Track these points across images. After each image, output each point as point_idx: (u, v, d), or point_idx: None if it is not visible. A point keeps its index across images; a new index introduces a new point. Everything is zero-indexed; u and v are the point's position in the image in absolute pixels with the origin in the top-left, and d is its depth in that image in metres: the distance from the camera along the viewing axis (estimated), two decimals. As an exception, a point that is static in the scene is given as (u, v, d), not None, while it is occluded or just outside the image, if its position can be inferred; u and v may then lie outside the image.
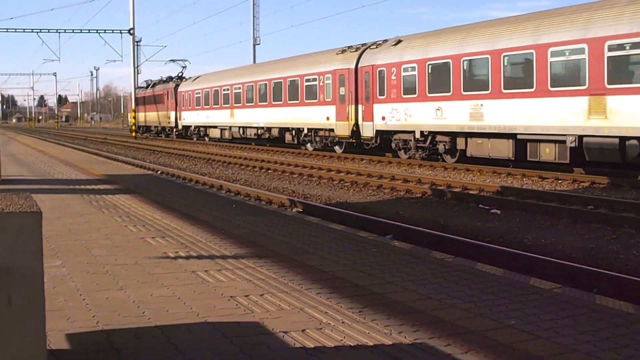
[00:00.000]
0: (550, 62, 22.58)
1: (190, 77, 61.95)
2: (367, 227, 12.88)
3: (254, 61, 70.59)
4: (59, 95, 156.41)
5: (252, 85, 45.00)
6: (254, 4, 73.61)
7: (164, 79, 67.93)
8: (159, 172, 26.76)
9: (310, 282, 6.97)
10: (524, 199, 17.22)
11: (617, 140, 20.46)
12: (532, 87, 23.31)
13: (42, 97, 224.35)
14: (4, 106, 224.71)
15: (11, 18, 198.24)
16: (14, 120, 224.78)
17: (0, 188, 15.66)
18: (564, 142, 22.27)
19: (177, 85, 61.07)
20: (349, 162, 31.56)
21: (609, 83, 20.56)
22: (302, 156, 35.43)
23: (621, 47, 20.15)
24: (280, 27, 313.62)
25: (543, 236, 12.96)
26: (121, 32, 66.79)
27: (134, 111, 67.39)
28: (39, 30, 66.09)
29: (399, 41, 31.39)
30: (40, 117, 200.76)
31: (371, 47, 33.40)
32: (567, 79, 22.29)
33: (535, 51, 23.07)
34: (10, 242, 3.33)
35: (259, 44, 74.07)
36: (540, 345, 5.04)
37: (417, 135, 29.23)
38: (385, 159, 31.01)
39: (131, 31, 65.98)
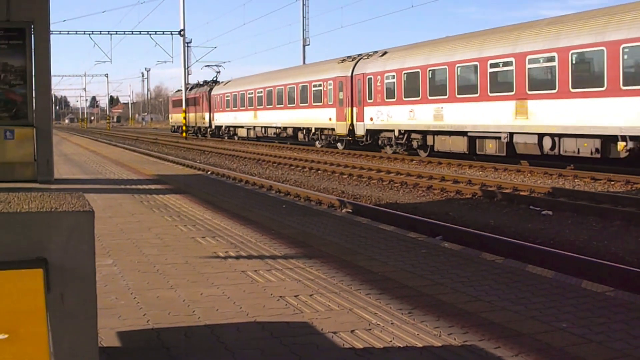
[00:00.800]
0: (489, 72, 28.09)
1: (222, 82, 67.65)
2: (417, 227, 12.84)
3: (304, 62, 70.76)
4: (111, 96, 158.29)
5: (272, 90, 50.74)
6: (303, 5, 73.83)
7: (200, 83, 73.98)
8: (209, 172, 26.93)
9: (359, 282, 6.96)
10: (575, 201, 17.03)
11: (536, 136, 25.73)
12: (476, 93, 28.73)
13: (94, 98, 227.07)
14: (57, 107, 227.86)
15: (64, 20, 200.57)
16: (66, 121, 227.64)
17: (53, 187, 15.89)
18: (499, 138, 27.46)
19: (210, 89, 67.36)
20: (399, 162, 31.50)
21: (529, 90, 25.88)
22: (352, 157, 35.44)
23: (537, 60, 25.77)
24: (330, 28, 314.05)
25: (595, 238, 12.80)
26: (172, 34, 67.46)
27: (184, 112, 67.96)
28: (91, 32, 66.99)
29: (385, 52, 37.17)
30: (92, 118, 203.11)
31: (364, 57, 39.12)
32: (501, 87, 27.45)
33: (479, 63, 28.59)
34: (63, 240, 3.36)
35: (308, 45, 74.36)
36: (592, 349, 4.98)
37: (396, 133, 34.82)
38: (427, 158, 30.92)
39: (182, 32, 66.55)
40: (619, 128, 22.11)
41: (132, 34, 69.02)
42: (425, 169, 27.48)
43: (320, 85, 42.80)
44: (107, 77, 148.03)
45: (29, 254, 3.28)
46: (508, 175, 24.37)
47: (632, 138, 21.83)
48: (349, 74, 39.04)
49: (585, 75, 23.74)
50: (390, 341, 5.17)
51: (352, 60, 39.96)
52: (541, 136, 25.58)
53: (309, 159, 32.53)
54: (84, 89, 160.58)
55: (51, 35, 18.48)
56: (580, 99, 23.67)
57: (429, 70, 31.88)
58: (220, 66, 77.72)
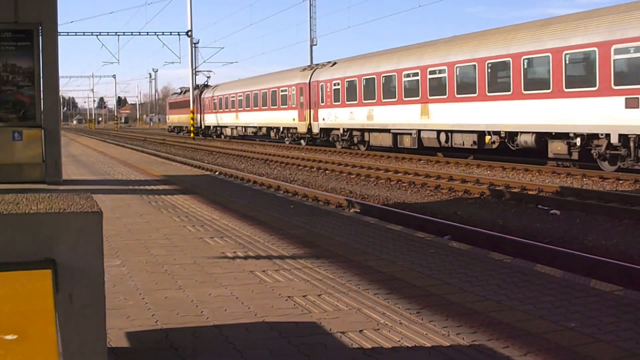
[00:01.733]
0: (404, 81, 35.15)
1: (211, 86, 75.49)
2: (425, 227, 12.84)
3: (311, 62, 70.75)
4: (118, 97, 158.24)
5: (249, 94, 58.70)
6: (310, 5, 73.81)
7: (194, 86, 77.92)
8: (217, 172, 26.96)
9: (367, 282, 6.96)
10: (584, 200, 17.00)
11: (435, 132, 32.68)
12: (395, 98, 35.85)
13: (101, 99, 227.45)
14: (65, 108, 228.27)
15: (71, 22, 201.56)
16: (74, 122, 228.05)
17: (61, 188, 15.92)
18: (411, 134, 34.47)
19: (201, 92, 74.35)
20: (407, 162, 31.53)
21: (430, 96, 32.90)
22: (359, 157, 35.48)
23: (434, 72, 32.79)
24: (338, 28, 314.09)
25: (604, 237, 12.77)
26: (179, 34, 67.56)
27: (192, 112, 68.07)
28: (98, 34, 67.14)
29: (334, 63, 44.31)
30: (100, 119, 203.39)
31: (319, 67, 46.77)
32: (412, 93, 34.44)
33: (396, 73, 35.83)
34: (71, 241, 3.37)
35: (316, 45, 74.27)
36: (601, 348, 4.96)
37: (341, 131, 41.97)
38: (435, 158, 30.91)
39: (189, 33, 66.67)
40: (485, 125, 29.32)
41: (140, 34, 69.14)
42: (433, 168, 27.47)
43: (286, 90, 50.45)
44: (114, 78, 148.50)
45: (37, 255, 3.29)
46: (516, 175, 24.34)
47: (494, 133, 28.87)
48: (307, 81, 46.43)
49: (465, 85, 30.58)
50: (399, 341, 5.17)
51: (310, 69, 47.52)
52: (439, 132, 32.48)
53: (316, 159, 32.54)
54: (92, 90, 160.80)
55: (59, 37, 18.53)
56: (461, 103, 30.69)
57: (363, 79, 39.18)
58: (210, 71, 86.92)
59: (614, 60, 22.92)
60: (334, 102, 42.45)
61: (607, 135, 23.40)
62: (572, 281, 6.94)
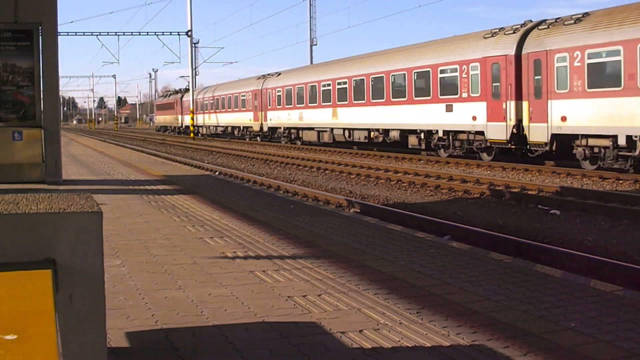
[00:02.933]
0: (322, 90, 44.42)
1: (188, 89, 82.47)
2: (425, 227, 12.84)
3: (311, 62, 70.77)
4: (118, 97, 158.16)
5: (218, 98, 68.37)
6: (310, 5, 73.77)
7: (175, 90, 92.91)
8: (217, 172, 26.96)
9: (367, 282, 6.96)
10: (584, 200, 17.00)
11: (342, 130, 42.10)
12: (316, 103, 45.44)
13: (101, 99, 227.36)
14: (65, 108, 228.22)
15: (71, 22, 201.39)
16: (74, 122, 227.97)
17: (61, 189, 15.92)
18: (327, 131, 44.06)
19: (182, 96, 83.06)
20: (407, 162, 31.53)
21: (338, 101, 42.38)
22: (360, 156, 35.50)
23: (341, 83, 42.03)
24: (337, 28, 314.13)
25: (604, 237, 12.77)
26: (179, 34, 67.54)
27: (192, 112, 68.13)
28: (98, 34, 67.10)
29: (279, 74, 53.88)
30: (100, 119, 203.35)
31: (269, 76, 55.80)
32: (327, 99, 44.00)
33: (317, 84, 45.44)
34: (71, 241, 3.37)
35: (315, 45, 74.24)
36: (601, 348, 4.97)
37: (282, 129, 51.87)
38: (434, 158, 30.91)
39: (189, 33, 66.64)
40: (371, 124, 38.51)
41: (140, 34, 69.11)
42: (433, 168, 27.47)
43: (245, 95, 59.98)
44: (114, 78, 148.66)
45: (37, 255, 3.29)
46: (516, 175, 24.35)
47: (376, 130, 38.19)
48: (260, 88, 55.91)
49: (359, 94, 39.84)
50: (399, 341, 5.17)
51: (263, 78, 56.76)
52: (344, 129, 41.95)
53: (316, 159, 32.55)
54: (92, 90, 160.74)
55: (59, 37, 18.53)
56: (357, 107, 40.04)
57: (296, 87, 48.58)
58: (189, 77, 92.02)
59: (440, 78, 32.14)
60: (277, 105, 52.35)
61: (437, 131, 32.57)
62: (572, 281, 6.94)
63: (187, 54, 71.30)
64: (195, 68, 77.56)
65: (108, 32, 67.53)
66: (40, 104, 17.32)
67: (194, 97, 72.67)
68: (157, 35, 67.02)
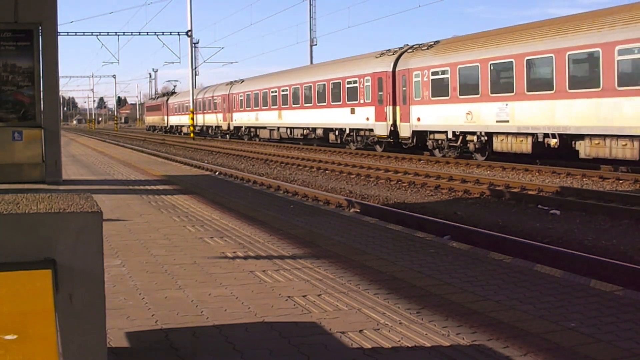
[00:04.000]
0: (270, 95, 53.35)
1: (176, 93, 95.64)
2: (425, 227, 12.84)
3: (311, 62, 70.79)
4: (118, 97, 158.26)
5: (195, 102, 74.32)
6: (310, 5, 73.78)
7: (162, 93, 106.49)
8: (217, 172, 26.96)
9: (367, 282, 6.96)
10: (584, 200, 17.01)
11: (285, 128, 50.69)
12: (267, 106, 54.27)
13: (101, 99, 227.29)
14: (65, 108, 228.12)
15: (71, 22, 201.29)
16: (74, 122, 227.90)
17: (61, 189, 15.92)
18: (276, 129, 52.64)
19: (168, 99, 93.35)
20: (407, 162, 31.53)
21: (282, 105, 51.10)
22: (359, 157, 35.50)
23: (284, 90, 50.70)
24: (337, 28, 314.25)
25: (604, 237, 12.77)
26: (179, 34, 67.57)
27: (192, 112, 68.18)
28: (98, 34, 67.13)
29: (243, 81, 63.59)
30: (100, 119, 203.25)
31: (235, 82, 65.18)
32: (274, 103, 52.59)
33: (268, 90, 54.34)
34: (71, 241, 3.37)
35: (316, 45, 74.27)
36: (601, 348, 4.96)
37: (243, 128, 61.49)
38: (434, 158, 30.92)
39: (189, 33, 66.64)
40: (305, 124, 47.38)
41: (140, 34, 69.14)
42: (433, 168, 27.47)
43: (217, 99, 69.32)
44: (114, 78, 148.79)
45: (37, 255, 3.29)
46: (516, 175, 24.35)
47: (306, 128, 47.25)
48: (228, 93, 65.09)
49: (296, 99, 48.96)
50: (399, 341, 5.17)
51: (230, 84, 66.10)
52: (287, 128, 50.81)
53: (316, 159, 32.56)
54: (92, 90, 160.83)
55: (59, 37, 18.53)
56: (295, 110, 49.09)
57: (253, 93, 57.96)
58: (177, 81, 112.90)
59: (347, 87, 41.23)
60: (240, 108, 61.77)
61: (346, 129, 41.86)
62: (572, 281, 6.94)
63: (187, 54, 71.44)
64: (195, 68, 77.71)
65: (108, 32, 67.60)
66: (40, 104, 17.32)
67: (172, 101, 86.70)
68: (157, 35, 67.06)
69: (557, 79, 25.47)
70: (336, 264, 7.86)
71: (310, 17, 73.92)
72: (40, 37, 17.19)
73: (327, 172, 27.54)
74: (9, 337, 3.05)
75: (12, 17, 16.95)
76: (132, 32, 73.20)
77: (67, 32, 70.15)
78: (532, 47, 26.87)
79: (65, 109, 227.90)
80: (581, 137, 24.71)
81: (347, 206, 16.72)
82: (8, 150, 17.31)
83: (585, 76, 24.86)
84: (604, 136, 23.63)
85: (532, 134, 26.80)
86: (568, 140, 25.41)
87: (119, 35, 68.45)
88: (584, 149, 24.59)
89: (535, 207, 16.59)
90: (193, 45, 70.14)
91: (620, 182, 21.24)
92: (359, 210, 15.69)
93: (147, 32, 71.84)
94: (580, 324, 5.49)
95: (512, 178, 23.07)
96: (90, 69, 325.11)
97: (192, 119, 68.33)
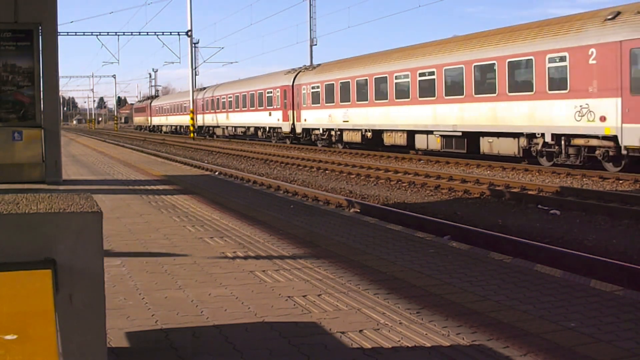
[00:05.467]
0: (220, 101, 68.77)
1: (158, 96, 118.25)
2: (425, 227, 12.84)
3: (311, 62, 70.76)
4: (118, 97, 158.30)
5: (172, 105, 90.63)
6: (310, 5, 73.75)
7: (147, 97, 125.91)
8: (217, 172, 26.96)
9: (367, 282, 6.96)
10: (584, 200, 17.00)
11: (232, 127, 64.44)
12: (219, 109, 67.77)
13: (101, 99, 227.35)
14: (65, 108, 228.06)
15: (71, 22, 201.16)
16: (74, 122, 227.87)
17: (61, 189, 15.92)
18: (226, 128, 66.88)
19: (151, 101, 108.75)
20: (407, 162, 31.52)
21: (229, 109, 65.25)
22: (359, 157, 35.47)
23: (229, 98, 64.82)
24: (337, 28, 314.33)
25: (604, 237, 12.77)
26: (179, 34, 67.55)
27: (192, 112, 68.23)
28: (98, 34, 67.12)
29: (205, 89, 76.44)
30: (100, 119, 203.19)
31: (201, 91, 77.58)
32: (224, 107, 66.77)
33: (213, 99, 71.42)
34: (71, 241, 3.37)
35: (315, 45, 74.21)
36: (601, 348, 4.96)
37: (204, 127, 73.49)
38: (435, 158, 30.90)
39: (189, 33, 66.63)
40: (247, 123, 59.85)
41: (140, 34, 69.13)
42: (433, 168, 27.47)
43: (185, 103, 79.05)
44: (114, 78, 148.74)
45: (37, 255, 3.29)
46: (516, 175, 24.34)
47: (261, 129, 57.09)
48: (196, 98, 73.05)
49: (237, 104, 61.51)
50: (399, 341, 5.17)
51: (198, 91, 77.33)
52: (233, 127, 63.84)
53: (316, 159, 32.56)
54: (92, 90, 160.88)
55: (59, 37, 18.52)
56: (238, 113, 61.99)
57: (214, 99, 70.08)
58: (160, 86, 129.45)
59: (267, 96, 54.02)
60: (204, 110, 73.82)
61: (267, 128, 55.00)
62: (572, 281, 6.94)
63: (187, 54, 71.58)
64: (195, 68, 77.78)
65: (108, 32, 67.58)
66: (40, 104, 17.32)
67: (155, 104, 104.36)
68: (157, 35, 67.05)
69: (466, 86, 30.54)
70: (336, 264, 7.86)
71: (310, 17, 73.86)
72: (40, 37, 17.19)
73: (327, 172, 27.54)
74: (9, 337, 3.05)
75: (12, 17, 16.95)
76: (132, 32, 73.17)
77: (67, 32, 70.16)
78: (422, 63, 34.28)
79: (65, 109, 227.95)
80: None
81: (347, 206, 16.72)
82: (8, 150, 17.31)
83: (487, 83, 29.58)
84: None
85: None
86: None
87: (119, 35, 68.44)
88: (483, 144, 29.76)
89: (535, 207, 16.59)
90: (193, 45, 70.17)
91: (620, 182, 21.24)
92: (359, 210, 15.69)
93: (147, 32, 71.86)
94: (580, 324, 5.49)
95: (512, 178, 23.06)
96: (90, 69, 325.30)
97: (192, 119, 68.33)
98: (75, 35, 66.06)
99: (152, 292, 6.65)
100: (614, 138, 23.19)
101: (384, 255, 8.28)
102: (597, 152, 24.28)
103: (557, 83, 25.53)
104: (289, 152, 41.42)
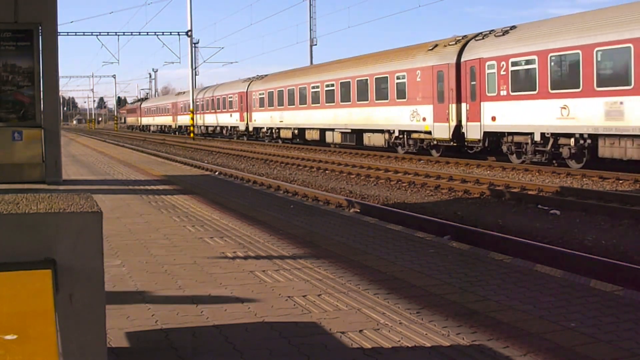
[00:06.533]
0: (179, 105, 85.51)
1: (148, 98, 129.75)
2: (425, 227, 12.83)
3: (311, 62, 70.77)
4: (118, 97, 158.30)
5: (158, 106, 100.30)
6: (310, 5, 73.77)
7: (137, 99, 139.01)
8: (217, 172, 26.96)
9: (367, 282, 6.96)
10: (584, 200, 17.00)
11: (204, 127, 74.45)
12: (211, 109, 71.93)
13: (101, 99, 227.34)
14: (65, 108, 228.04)
15: (71, 22, 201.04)
16: (74, 122, 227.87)
17: (61, 189, 15.92)
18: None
19: (141, 103, 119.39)
20: (407, 162, 31.52)
21: (213, 110, 72.56)
22: (359, 157, 35.48)
23: (231, 97, 64.96)
24: (337, 28, 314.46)
25: (604, 237, 12.77)
26: (179, 34, 67.53)
27: (192, 112, 68.25)
28: (98, 34, 67.11)
29: (184, 93, 79.23)
30: (100, 119, 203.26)
31: (180, 94, 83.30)
32: (204, 109, 75.67)
33: (215, 98, 71.78)
34: (71, 241, 3.37)
35: (315, 45, 74.25)
36: (601, 348, 4.96)
37: (183, 127, 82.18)
38: (434, 158, 30.91)
39: (189, 33, 66.61)
40: (216, 123, 69.38)
41: (140, 34, 69.12)
42: (433, 168, 27.47)
43: (168, 105, 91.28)
44: (114, 78, 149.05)
45: (37, 255, 3.29)
46: (516, 175, 24.34)
47: (225, 128, 67.44)
48: (176, 101, 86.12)
49: (209, 106, 70.81)
50: (399, 341, 5.17)
51: (178, 95, 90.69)
52: (203, 127, 71.58)
53: (316, 159, 32.56)
54: (92, 90, 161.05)
55: (59, 37, 18.52)
56: (209, 114, 71.42)
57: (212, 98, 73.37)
58: (150, 89, 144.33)
59: (229, 101, 62.32)
60: (182, 112, 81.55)
61: (227, 127, 65.53)
62: (572, 281, 6.93)
63: (187, 54, 71.58)
64: (195, 68, 77.76)
65: (108, 32, 67.55)
66: (40, 104, 17.31)
67: (144, 105, 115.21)
68: (157, 35, 67.05)
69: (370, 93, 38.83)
70: (336, 264, 7.86)
71: (310, 17, 73.91)
72: (40, 37, 17.19)
73: (327, 172, 27.53)
74: (9, 337, 3.05)
75: (12, 17, 16.95)
76: (132, 32, 73.06)
77: (67, 32, 70.28)
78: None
79: (65, 109, 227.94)
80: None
81: (347, 206, 16.72)
82: (8, 150, 17.31)
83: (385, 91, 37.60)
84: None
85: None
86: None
87: (119, 35, 68.43)
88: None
89: (535, 207, 16.59)
90: (193, 45, 70.14)
91: (620, 182, 21.24)
92: (359, 210, 15.69)
93: (147, 32, 71.98)
94: (580, 324, 5.49)
95: (512, 178, 23.06)
96: (90, 69, 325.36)
97: (193, 118, 68.37)
98: (75, 35, 66.06)
99: (152, 292, 6.65)
100: (430, 132, 33.04)
101: (384, 255, 8.28)
102: (424, 142, 34.02)
103: (401, 94, 35.42)
104: (289, 152, 41.41)
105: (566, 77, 25.01)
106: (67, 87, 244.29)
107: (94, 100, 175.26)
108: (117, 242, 9.34)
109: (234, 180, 21.66)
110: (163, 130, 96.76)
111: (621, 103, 22.70)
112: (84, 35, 66.34)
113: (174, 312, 5.94)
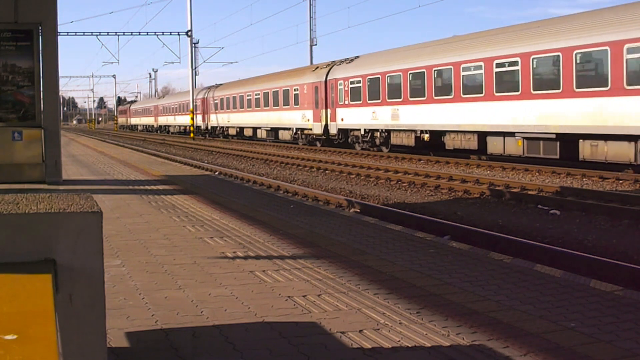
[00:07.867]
0: (171, 107, 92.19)
1: (137, 101, 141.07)
2: (425, 227, 12.83)
3: (311, 62, 70.78)
4: (118, 97, 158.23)
5: (149, 107, 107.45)
6: (310, 5, 73.76)
7: (128, 101, 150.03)
8: (217, 172, 26.95)
9: (367, 282, 6.96)
10: (584, 200, 16.99)
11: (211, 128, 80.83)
12: (171, 113, 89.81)
13: (101, 99, 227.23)
14: (65, 108, 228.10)
15: (71, 22, 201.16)
16: (74, 122, 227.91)
17: (61, 189, 15.92)
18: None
19: (130, 105, 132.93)
20: (407, 162, 31.51)
21: (170, 112, 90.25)
22: (359, 157, 35.47)
23: (216, 100, 72.07)
24: (337, 28, 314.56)
25: (604, 237, 12.77)
26: (179, 34, 67.62)
27: (192, 112, 68.30)
28: (98, 34, 67.18)
29: (164, 96, 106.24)
30: (100, 119, 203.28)
31: (162, 97, 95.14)
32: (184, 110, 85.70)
33: (201, 100, 77.40)
34: (71, 241, 3.37)
35: (315, 45, 74.28)
36: (601, 348, 4.96)
37: (141, 127, 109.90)
38: (435, 158, 30.91)
39: (189, 33, 66.65)
40: (175, 123, 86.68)
41: (140, 34, 69.16)
42: (433, 168, 27.47)
43: (151, 108, 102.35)
44: (114, 78, 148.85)
45: (37, 255, 3.28)
46: (516, 175, 24.35)
47: (182, 127, 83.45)
48: (156, 104, 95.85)
49: (220, 106, 72.14)
50: (399, 341, 5.17)
51: (160, 98, 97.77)
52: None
53: (316, 159, 32.56)
54: (92, 90, 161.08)
55: (59, 37, 18.52)
56: (171, 115, 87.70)
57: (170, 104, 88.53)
58: (139, 93, 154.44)
59: (211, 103, 69.96)
60: (163, 113, 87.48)
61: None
62: (572, 281, 6.93)
63: (187, 54, 71.66)
64: (195, 68, 77.85)
65: (108, 32, 67.63)
66: (40, 104, 17.31)
67: (133, 107, 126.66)
68: (157, 35, 67.10)
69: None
70: (336, 264, 7.86)
71: (310, 17, 73.91)
72: (40, 37, 17.19)
73: (327, 172, 27.54)
74: (9, 337, 3.04)
75: (12, 17, 16.95)
76: (132, 32, 73.20)
77: (67, 32, 70.35)
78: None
79: (65, 109, 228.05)
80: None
81: (347, 206, 16.72)
82: (8, 150, 17.31)
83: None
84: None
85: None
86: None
87: (119, 35, 68.49)
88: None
89: (535, 207, 16.59)
90: (193, 45, 70.19)
91: (620, 182, 21.24)
92: (359, 210, 15.69)
93: (147, 32, 71.93)
94: (580, 324, 5.49)
95: (512, 178, 23.07)
96: (90, 69, 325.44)
97: (192, 118, 68.43)
98: (75, 35, 66.12)
99: (152, 292, 6.65)
100: (311, 129, 45.63)
101: (383, 255, 8.28)
102: (309, 137, 46.55)
103: (296, 102, 48.39)
104: (289, 152, 41.44)
105: (374, 93, 37.95)
106: (67, 87, 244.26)
107: (94, 100, 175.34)
108: (117, 242, 9.34)
109: (234, 180, 21.66)
110: (147, 129, 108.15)
111: (397, 109, 35.84)
112: (84, 35, 66.42)
113: (174, 312, 5.94)
